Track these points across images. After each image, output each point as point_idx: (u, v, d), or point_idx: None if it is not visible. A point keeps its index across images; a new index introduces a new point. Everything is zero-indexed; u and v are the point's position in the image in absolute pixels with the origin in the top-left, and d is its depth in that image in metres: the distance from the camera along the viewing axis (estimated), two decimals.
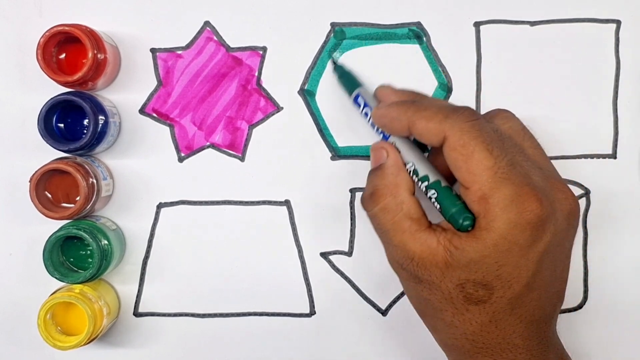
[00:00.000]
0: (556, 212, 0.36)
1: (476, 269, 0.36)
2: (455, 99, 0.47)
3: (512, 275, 0.36)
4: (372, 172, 0.40)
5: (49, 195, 0.45)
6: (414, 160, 0.39)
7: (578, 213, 0.38)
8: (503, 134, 0.38)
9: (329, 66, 0.47)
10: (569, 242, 0.39)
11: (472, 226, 0.36)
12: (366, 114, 0.42)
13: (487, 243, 0.35)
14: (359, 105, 0.42)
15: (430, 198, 0.38)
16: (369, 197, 0.39)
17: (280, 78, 0.47)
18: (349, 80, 0.45)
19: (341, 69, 0.45)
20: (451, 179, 0.38)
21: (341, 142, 0.48)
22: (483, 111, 0.47)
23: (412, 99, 0.41)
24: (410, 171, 0.39)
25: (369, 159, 0.47)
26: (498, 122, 0.40)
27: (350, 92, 0.44)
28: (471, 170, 0.35)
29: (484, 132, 0.36)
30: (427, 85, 0.47)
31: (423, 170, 0.38)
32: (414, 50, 0.47)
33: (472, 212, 0.36)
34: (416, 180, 0.39)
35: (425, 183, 0.38)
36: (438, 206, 0.38)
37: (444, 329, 0.39)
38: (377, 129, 0.41)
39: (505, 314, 0.37)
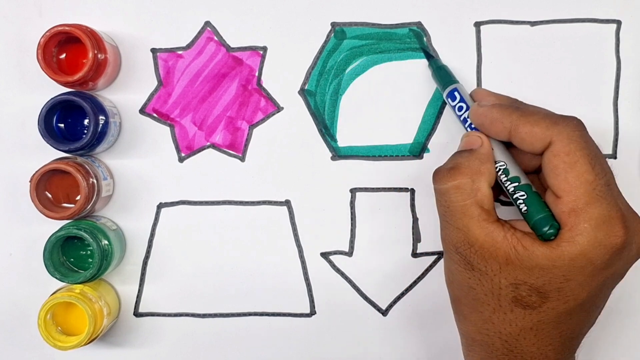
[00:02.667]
0: (634, 242, 0.36)
1: (539, 275, 0.35)
2: None
3: (573, 291, 0.36)
4: (459, 152, 0.40)
5: (49, 195, 0.45)
6: (506, 160, 0.39)
7: None
8: (600, 151, 0.38)
9: (419, 62, 0.47)
10: (625, 273, 0.39)
11: (555, 236, 0.35)
12: (460, 108, 0.42)
13: (565, 255, 0.35)
14: (454, 99, 0.43)
15: (517, 199, 0.38)
16: (447, 170, 0.38)
17: (281, 78, 0.47)
18: (445, 75, 0.45)
19: (437, 63, 0.46)
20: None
21: (341, 142, 0.48)
22: None
23: (514, 105, 0.41)
24: (500, 170, 0.39)
25: (369, 159, 0.47)
26: None
27: (445, 85, 0.44)
28: (570, 181, 0.35)
29: (590, 146, 0.36)
30: (427, 85, 0.47)
31: (515, 172, 0.38)
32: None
33: (558, 222, 0.36)
34: (505, 179, 0.38)
35: (516, 184, 0.38)
36: (524, 208, 0.37)
37: (477, 322, 0.38)
38: (470, 126, 0.41)
39: (549, 325, 0.37)
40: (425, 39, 0.47)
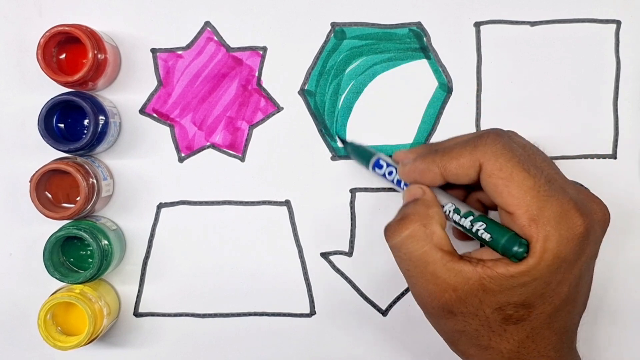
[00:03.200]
0: (594, 223, 0.36)
1: (521, 292, 0.35)
2: (455, 99, 0.47)
3: (555, 291, 0.36)
4: (404, 205, 0.39)
5: (49, 196, 0.45)
6: (452, 201, 0.39)
7: (609, 221, 0.38)
8: (528, 148, 0.38)
9: (339, 143, 0.47)
10: (598, 250, 0.39)
11: (527, 252, 0.35)
12: (391, 172, 0.42)
13: (542, 265, 0.34)
14: (381, 167, 0.43)
15: (477, 232, 0.37)
16: (397, 222, 0.38)
17: (281, 78, 0.47)
18: (362, 152, 0.45)
19: (351, 145, 0.46)
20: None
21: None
22: (483, 111, 0.47)
23: (432, 148, 0.41)
24: (449, 212, 0.39)
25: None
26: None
27: (367, 161, 0.44)
28: (513, 194, 0.35)
29: (516, 152, 0.36)
30: (427, 85, 0.47)
31: (464, 208, 0.38)
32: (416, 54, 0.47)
33: (522, 237, 0.35)
34: (458, 218, 0.38)
35: (471, 217, 0.38)
36: (488, 236, 0.37)
37: (478, 354, 0.38)
38: (404, 186, 0.41)
39: (543, 328, 0.37)
40: (425, 39, 0.47)
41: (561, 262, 0.35)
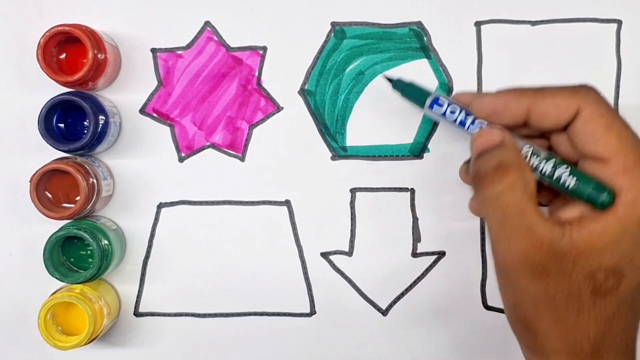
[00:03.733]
0: None
1: (612, 252, 0.33)
2: None
3: None
4: (488, 151, 0.36)
5: (49, 195, 0.45)
6: (529, 143, 0.37)
7: None
8: None
9: (383, 84, 0.44)
10: None
11: (612, 202, 0.33)
12: (453, 112, 0.39)
13: (633, 218, 0.33)
14: (440, 106, 0.40)
15: (559, 178, 0.35)
16: (494, 171, 0.35)
17: (281, 78, 0.47)
18: (415, 91, 0.41)
19: (401, 83, 0.42)
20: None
21: (342, 141, 0.48)
22: None
23: (518, 88, 0.38)
24: (527, 155, 0.36)
25: (369, 159, 0.47)
26: None
27: (423, 100, 0.41)
28: (612, 142, 0.34)
29: (613, 108, 0.35)
30: (427, 85, 0.47)
31: (544, 151, 0.36)
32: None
33: (609, 186, 0.34)
34: (538, 162, 0.36)
35: (553, 161, 0.35)
36: (573, 183, 0.35)
37: (562, 333, 0.35)
38: (473, 123, 0.38)
39: (626, 307, 0.35)
40: (425, 38, 0.47)
41: None
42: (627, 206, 0.33)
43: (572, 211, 0.36)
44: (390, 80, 0.43)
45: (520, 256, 0.34)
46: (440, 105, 0.40)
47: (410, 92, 0.42)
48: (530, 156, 0.36)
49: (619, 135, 0.34)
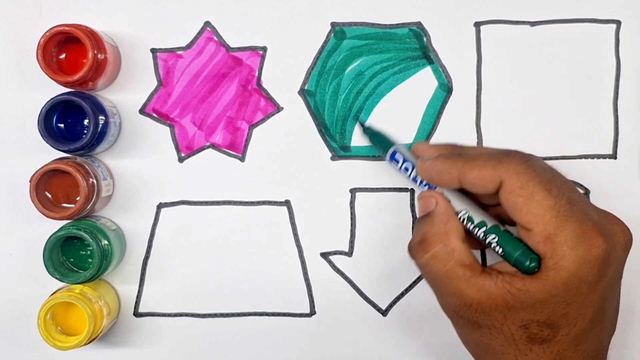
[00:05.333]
0: (616, 244, 0.36)
1: (542, 309, 0.35)
2: (455, 99, 0.47)
3: (578, 312, 0.36)
4: (421, 220, 0.40)
5: (49, 196, 0.45)
6: (467, 207, 0.39)
7: (631, 242, 0.38)
8: (550, 170, 0.38)
9: (357, 129, 0.47)
10: (622, 272, 0.39)
11: (538, 267, 0.35)
12: (406, 169, 0.42)
13: (556, 282, 0.35)
14: (397, 162, 0.42)
15: (490, 243, 0.38)
16: (418, 245, 0.39)
17: (280, 78, 0.47)
18: (381, 140, 0.44)
19: (371, 130, 0.45)
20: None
21: (341, 142, 0.48)
22: (483, 111, 0.47)
23: (456, 152, 0.41)
24: (463, 219, 0.39)
25: (369, 159, 0.47)
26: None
27: (385, 150, 0.43)
28: (533, 212, 0.35)
29: (539, 172, 0.36)
30: (427, 85, 0.47)
31: (479, 217, 0.38)
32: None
33: (536, 253, 0.36)
34: (472, 227, 0.38)
35: (484, 228, 0.38)
36: (500, 250, 0.37)
37: None
38: (421, 183, 0.41)
39: (570, 351, 0.37)
40: (425, 39, 0.47)
41: (580, 282, 0.35)
42: (549, 272, 0.35)
43: (509, 266, 0.37)
44: (361, 124, 0.46)
45: (453, 311, 0.38)
46: (397, 161, 0.42)
47: (376, 140, 0.45)
48: (466, 221, 0.39)
49: (540, 205, 0.35)
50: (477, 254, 0.48)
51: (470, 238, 0.40)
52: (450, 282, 0.37)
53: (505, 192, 0.36)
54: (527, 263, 0.36)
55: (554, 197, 0.35)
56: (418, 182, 0.41)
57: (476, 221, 0.38)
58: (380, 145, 0.44)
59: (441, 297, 0.39)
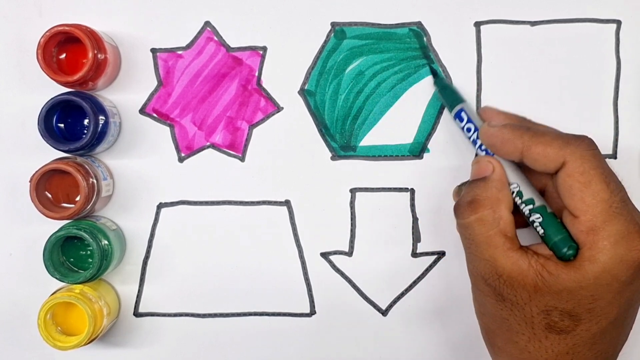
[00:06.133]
0: None
1: (568, 299, 0.35)
2: None
3: (603, 310, 0.36)
4: (474, 182, 0.40)
5: (49, 195, 0.45)
6: (519, 182, 0.39)
7: None
8: (611, 168, 0.37)
9: (429, 79, 0.47)
10: None
11: (575, 256, 0.35)
12: (469, 130, 0.42)
13: (589, 275, 0.35)
14: (462, 120, 0.43)
15: (533, 222, 0.38)
16: (467, 204, 0.39)
17: (281, 78, 0.47)
18: (451, 94, 0.45)
19: (442, 82, 0.45)
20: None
21: (341, 142, 0.48)
22: None
23: (524, 124, 0.41)
24: (513, 192, 0.39)
25: (369, 159, 0.47)
26: None
27: (452, 105, 0.44)
28: (586, 200, 0.35)
29: (603, 164, 0.36)
30: (427, 85, 0.47)
31: (528, 193, 0.39)
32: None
33: (576, 241, 0.36)
34: (519, 202, 0.39)
35: (530, 206, 0.38)
36: (541, 231, 0.37)
37: (513, 353, 0.38)
38: (481, 147, 0.41)
39: (585, 347, 0.36)
40: (425, 39, 0.47)
41: (612, 280, 0.35)
42: (585, 263, 0.35)
43: (546, 249, 0.38)
44: (435, 74, 0.46)
45: (482, 278, 0.38)
46: (462, 120, 0.43)
47: (445, 93, 0.45)
48: (515, 195, 0.39)
49: (594, 195, 0.35)
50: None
51: (516, 214, 0.39)
52: (488, 249, 0.37)
53: (565, 174, 0.36)
54: (565, 250, 0.36)
55: (611, 191, 0.35)
56: (477, 144, 0.41)
57: (525, 197, 0.38)
58: (448, 100, 0.44)
59: (473, 261, 0.39)
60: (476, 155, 0.42)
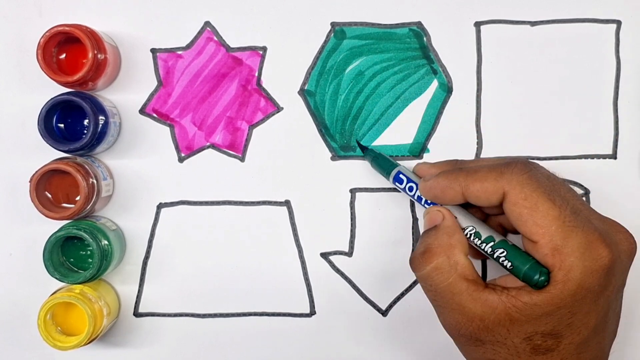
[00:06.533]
0: (620, 253, 0.36)
1: (547, 321, 0.35)
2: (455, 99, 0.47)
3: (582, 322, 0.36)
4: (425, 233, 0.40)
5: (49, 196, 0.45)
6: (473, 224, 0.39)
7: (636, 250, 0.38)
8: (553, 179, 0.37)
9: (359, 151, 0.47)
10: (626, 279, 0.39)
11: (548, 281, 0.35)
12: (411, 189, 0.43)
13: (564, 294, 0.35)
14: (402, 182, 0.43)
15: (498, 258, 0.38)
16: (421, 255, 0.38)
17: (280, 78, 0.47)
18: (383, 161, 0.45)
19: (372, 152, 0.46)
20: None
21: (341, 142, 0.48)
22: (483, 111, 0.47)
23: (457, 167, 0.41)
24: (470, 235, 0.39)
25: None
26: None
27: (388, 172, 0.44)
28: (538, 223, 0.35)
29: (542, 182, 0.36)
30: (427, 85, 0.47)
31: (486, 232, 0.39)
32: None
33: (544, 265, 0.36)
34: (479, 242, 0.39)
35: (491, 243, 0.38)
36: (508, 264, 0.37)
37: None
38: (426, 202, 0.41)
39: (572, 359, 0.37)
40: (425, 39, 0.47)
41: (586, 293, 0.35)
42: (558, 285, 0.35)
43: (513, 280, 0.37)
44: (362, 148, 0.46)
45: (455, 329, 0.38)
46: (401, 181, 0.43)
47: (378, 163, 0.45)
48: (473, 237, 0.39)
49: (545, 216, 0.35)
50: (478, 267, 0.48)
51: (473, 252, 0.40)
52: (453, 297, 0.37)
53: (510, 204, 0.36)
54: (537, 277, 0.35)
55: (558, 207, 0.35)
56: (423, 201, 0.42)
57: (484, 236, 0.38)
58: (383, 168, 0.45)
59: (442, 314, 0.38)
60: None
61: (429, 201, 0.41)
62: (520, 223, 0.36)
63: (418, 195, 0.42)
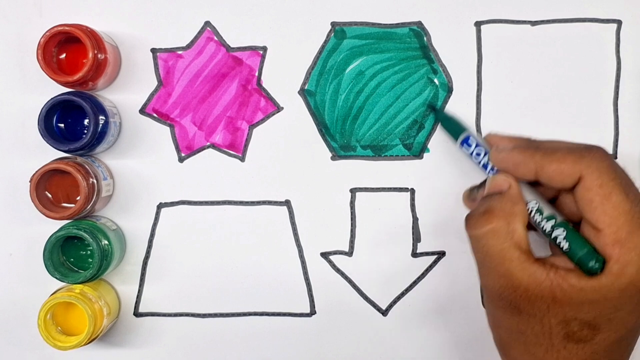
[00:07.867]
0: None
1: (589, 310, 0.35)
2: (456, 99, 0.47)
3: (623, 320, 0.35)
4: (489, 196, 0.39)
5: (49, 195, 0.45)
6: (537, 199, 0.39)
7: None
8: (627, 175, 0.37)
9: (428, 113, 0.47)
10: None
11: (601, 270, 0.35)
12: (478, 154, 0.42)
13: (615, 287, 0.34)
14: (469, 146, 0.43)
15: (556, 238, 0.37)
16: (481, 215, 0.38)
17: (281, 78, 0.47)
18: (453, 124, 0.45)
19: (443, 114, 0.46)
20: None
21: (341, 141, 0.48)
22: (483, 111, 0.47)
23: (532, 144, 0.41)
24: (532, 210, 0.39)
25: (369, 159, 0.47)
26: None
27: (456, 135, 0.44)
28: (607, 212, 0.35)
29: (620, 174, 0.36)
30: (427, 85, 0.47)
31: (548, 210, 0.38)
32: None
33: (601, 254, 0.35)
34: (540, 219, 0.38)
35: (552, 222, 0.38)
36: (565, 245, 0.37)
37: None
38: (491, 170, 0.41)
39: (601, 356, 0.36)
40: (425, 38, 0.47)
41: (636, 291, 0.35)
42: (611, 276, 0.35)
43: (564, 261, 0.37)
44: (434, 109, 0.46)
45: (496, 292, 0.37)
46: (469, 146, 0.43)
47: (448, 125, 0.45)
48: (535, 213, 0.38)
49: (616, 207, 0.35)
50: None
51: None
52: (502, 262, 0.36)
53: (583, 189, 0.36)
54: (593, 263, 0.35)
55: (631, 201, 0.35)
56: (488, 169, 0.41)
57: (546, 213, 0.38)
58: (452, 130, 0.44)
59: (486, 276, 0.38)
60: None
61: (493, 170, 0.41)
62: (590, 209, 0.36)
63: (484, 163, 0.41)
